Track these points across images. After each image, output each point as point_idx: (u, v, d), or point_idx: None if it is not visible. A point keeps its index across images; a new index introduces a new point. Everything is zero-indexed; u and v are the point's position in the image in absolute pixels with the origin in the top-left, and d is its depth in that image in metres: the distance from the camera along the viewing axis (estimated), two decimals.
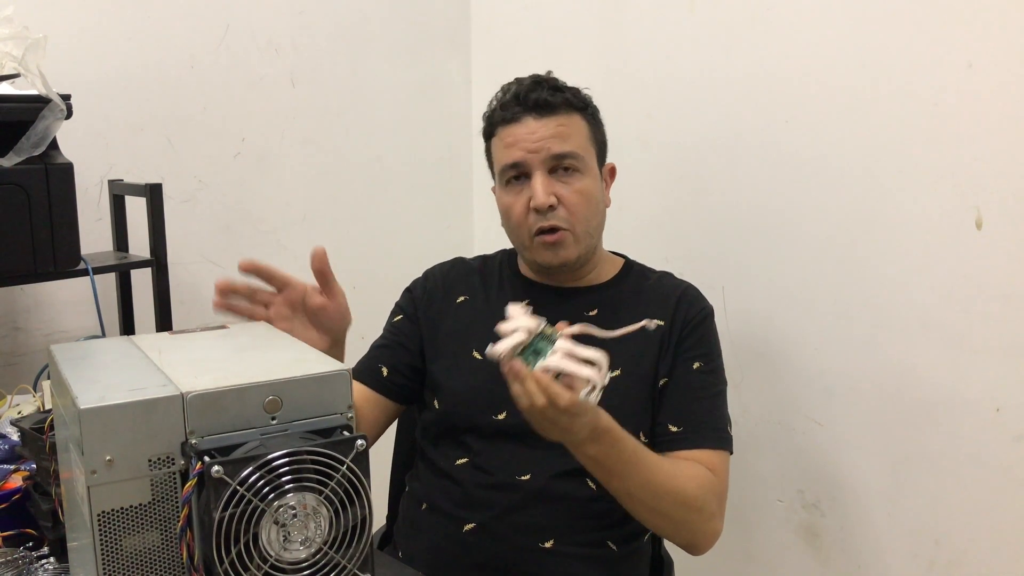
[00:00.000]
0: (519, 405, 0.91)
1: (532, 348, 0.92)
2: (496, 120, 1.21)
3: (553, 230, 1.16)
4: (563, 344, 0.90)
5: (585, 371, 0.88)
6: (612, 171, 1.27)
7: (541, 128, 1.16)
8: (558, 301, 1.23)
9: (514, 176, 1.19)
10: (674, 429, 1.15)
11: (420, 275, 1.34)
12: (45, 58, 1.22)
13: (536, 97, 1.17)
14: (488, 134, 1.24)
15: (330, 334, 1.04)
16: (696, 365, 1.18)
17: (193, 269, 1.73)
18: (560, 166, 1.16)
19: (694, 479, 1.09)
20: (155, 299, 1.47)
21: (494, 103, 1.22)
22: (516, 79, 1.22)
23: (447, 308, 1.27)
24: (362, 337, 1.98)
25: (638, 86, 1.70)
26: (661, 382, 1.17)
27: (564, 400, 0.88)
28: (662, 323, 0.97)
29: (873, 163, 1.38)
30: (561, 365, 0.89)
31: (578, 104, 1.20)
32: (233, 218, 1.78)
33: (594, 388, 0.89)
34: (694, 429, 1.14)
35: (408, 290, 1.32)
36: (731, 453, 1.16)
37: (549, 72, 1.24)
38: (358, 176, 1.96)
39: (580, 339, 0.92)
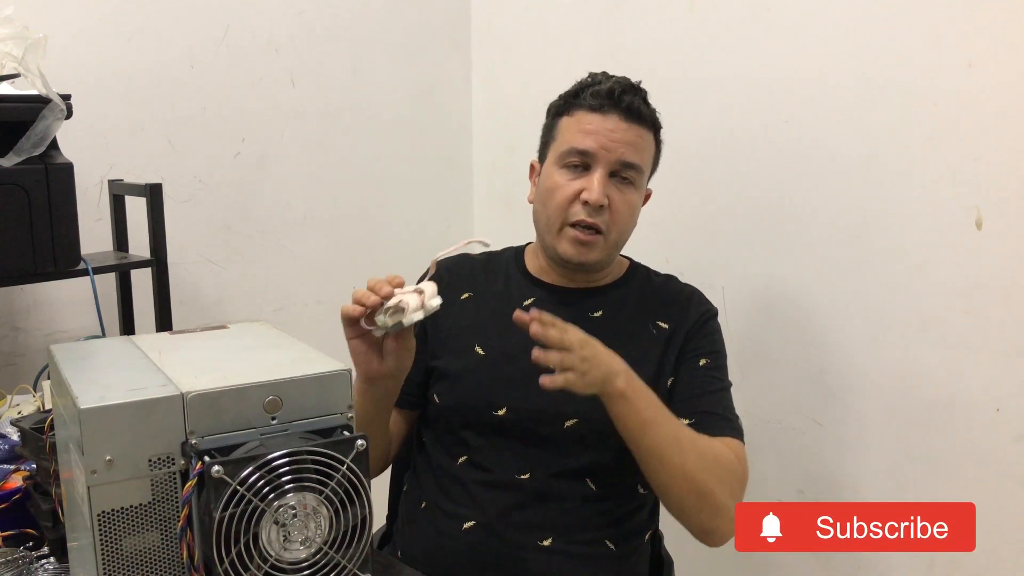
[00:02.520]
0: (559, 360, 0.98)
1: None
2: (580, 103, 1.19)
3: (592, 229, 1.16)
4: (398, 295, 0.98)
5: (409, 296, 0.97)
6: (649, 196, 1.28)
7: (623, 131, 1.16)
8: (563, 302, 1.23)
9: (575, 162, 1.18)
10: (686, 422, 1.13)
11: (423, 272, 1.33)
12: (45, 58, 1.22)
13: (630, 101, 1.17)
14: (561, 111, 1.22)
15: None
16: (702, 362, 1.19)
17: (193, 269, 1.73)
18: (620, 173, 1.17)
19: (719, 444, 1.09)
20: (155, 299, 1.47)
21: (582, 85, 1.21)
22: (603, 74, 1.21)
23: (451, 304, 1.26)
24: None
25: None
26: (668, 381, 1.18)
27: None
28: (488, 244, 1.03)
29: (873, 163, 1.38)
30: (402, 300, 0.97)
31: (656, 125, 1.22)
32: (233, 218, 1.78)
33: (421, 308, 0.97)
34: (705, 419, 1.14)
35: (419, 281, 1.32)
36: (744, 444, 1.15)
37: (639, 82, 1.23)
38: (358, 176, 1.96)
39: None
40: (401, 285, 0.99)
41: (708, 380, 1.17)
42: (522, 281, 1.27)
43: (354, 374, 0.88)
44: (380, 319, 0.98)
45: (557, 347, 0.98)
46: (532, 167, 1.28)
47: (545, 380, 0.97)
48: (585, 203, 1.15)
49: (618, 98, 1.16)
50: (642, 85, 1.23)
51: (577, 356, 0.98)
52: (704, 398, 1.16)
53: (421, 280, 1.03)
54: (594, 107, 1.17)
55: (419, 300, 0.96)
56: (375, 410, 1.11)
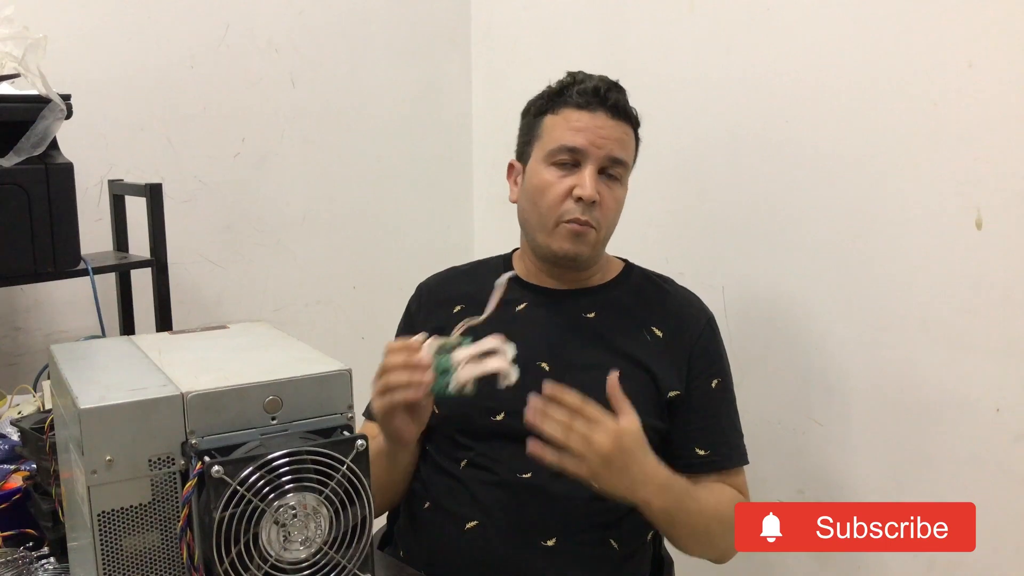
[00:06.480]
0: (579, 448, 0.96)
1: (440, 369, 0.94)
2: (566, 101, 1.19)
3: (584, 224, 1.16)
4: (459, 353, 0.94)
5: (491, 365, 0.93)
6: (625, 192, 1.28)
7: (611, 128, 1.17)
8: (556, 303, 1.23)
9: (565, 159, 1.18)
10: (701, 453, 1.18)
11: (415, 289, 1.33)
12: (45, 58, 1.22)
13: (616, 99, 1.18)
14: (544, 110, 1.22)
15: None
16: (714, 383, 1.20)
17: (193, 269, 1.73)
18: (609, 169, 1.18)
19: (731, 503, 1.13)
20: (155, 299, 1.47)
21: (565, 83, 1.21)
22: (581, 72, 1.21)
23: (446, 319, 1.26)
24: (363, 338, 1.99)
25: (638, 86, 1.68)
26: (671, 394, 1.18)
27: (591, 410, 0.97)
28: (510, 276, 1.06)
29: (873, 163, 1.38)
30: (469, 373, 0.93)
31: (637, 122, 1.23)
32: (233, 218, 1.78)
33: (507, 375, 0.94)
34: (720, 452, 1.18)
35: (407, 308, 1.32)
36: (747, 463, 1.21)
37: (617, 81, 1.23)
38: (358, 176, 1.95)
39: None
40: (418, 348, 0.97)
41: (720, 403, 1.21)
42: (514, 287, 1.26)
43: (354, 376, 0.88)
44: (452, 389, 0.95)
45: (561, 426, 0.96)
46: (511, 167, 1.27)
47: (535, 449, 0.96)
48: (579, 200, 1.15)
49: (604, 95, 1.18)
50: (621, 83, 1.22)
51: (596, 456, 0.96)
52: (717, 425, 1.20)
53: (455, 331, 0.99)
54: (581, 104, 1.17)
55: (503, 362, 0.95)
56: (399, 470, 1.16)
